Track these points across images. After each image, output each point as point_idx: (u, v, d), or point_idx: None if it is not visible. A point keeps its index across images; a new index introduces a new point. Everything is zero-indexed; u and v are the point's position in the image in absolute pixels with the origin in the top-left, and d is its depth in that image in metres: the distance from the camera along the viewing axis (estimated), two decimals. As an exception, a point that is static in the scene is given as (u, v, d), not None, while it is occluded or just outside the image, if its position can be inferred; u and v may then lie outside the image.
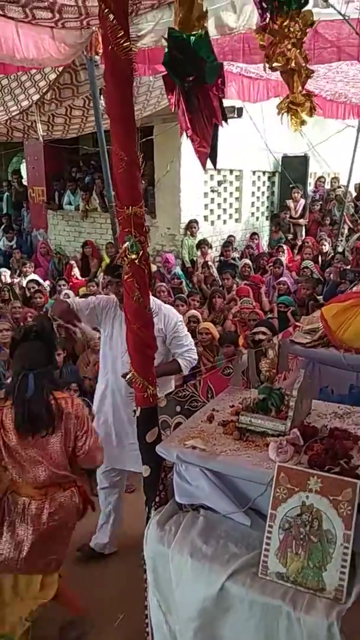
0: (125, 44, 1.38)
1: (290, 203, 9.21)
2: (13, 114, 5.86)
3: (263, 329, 4.76)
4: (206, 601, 1.48)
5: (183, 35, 1.46)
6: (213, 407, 2.03)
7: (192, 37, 1.47)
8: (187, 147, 7.73)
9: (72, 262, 8.52)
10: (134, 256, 1.57)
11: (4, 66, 4.86)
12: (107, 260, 8.56)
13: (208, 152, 1.55)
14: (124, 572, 2.90)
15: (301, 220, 9.16)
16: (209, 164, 1.60)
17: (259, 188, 9.86)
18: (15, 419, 2.18)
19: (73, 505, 2.37)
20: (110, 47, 1.39)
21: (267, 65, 1.77)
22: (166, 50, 1.49)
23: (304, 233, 9.16)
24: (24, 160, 10.64)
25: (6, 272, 7.96)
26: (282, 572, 1.48)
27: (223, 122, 1.58)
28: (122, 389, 2.87)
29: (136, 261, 1.58)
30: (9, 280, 7.76)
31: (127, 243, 1.55)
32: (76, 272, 8.33)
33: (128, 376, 1.88)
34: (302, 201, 9.19)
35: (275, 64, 1.73)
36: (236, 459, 1.68)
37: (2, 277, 7.76)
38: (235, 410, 1.96)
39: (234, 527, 1.64)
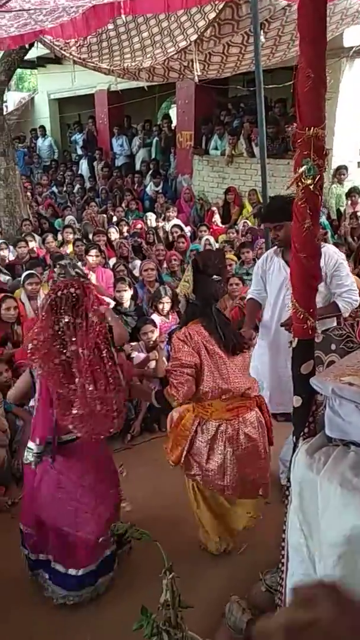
0: None
1: None
2: (170, 54, 5.90)
3: None
4: (354, 529, 1.49)
5: None
6: (370, 349, 1.97)
7: None
8: (347, 85, 7.17)
9: (214, 208, 8.58)
10: (309, 181, 1.52)
11: (167, 4, 4.87)
12: (248, 207, 8.46)
13: None
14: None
15: None
16: None
17: None
18: (221, 340, 2.45)
19: (262, 424, 2.56)
20: None
21: None
22: None
23: None
24: (173, 105, 10.74)
25: (152, 217, 8.29)
26: None
27: None
28: (279, 340, 2.95)
29: (311, 187, 1.53)
30: (154, 224, 8.08)
31: (304, 167, 1.50)
32: (217, 218, 8.39)
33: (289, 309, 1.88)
34: None
35: None
36: None
37: (148, 221, 8.10)
38: (395, 355, 1.88)
39: (387, 467, 1.61)
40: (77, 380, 2.10)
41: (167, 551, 1.92)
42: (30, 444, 2.29)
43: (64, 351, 2.12)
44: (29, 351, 2.16)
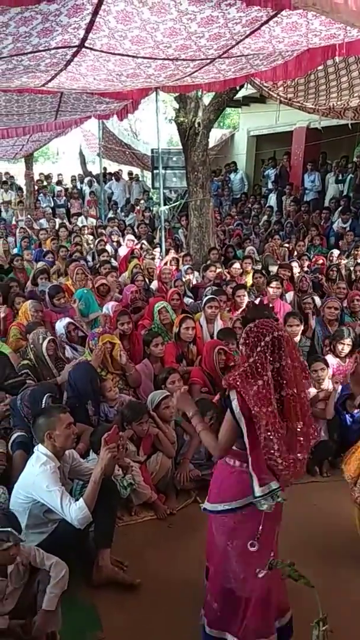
0: None
1: None
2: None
3: None
4: None
5: None
6: None
7: None
8: None
9: None
10: None
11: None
12: None
13: None
14: None
15: None
16: None
17: None
18: None
19: None
20: None
21: None
22: None
23: None
24: (373, 143, 10.41)
25: (336, 253, 8.10)
26: None
27: None
28: None
29: None
30: (336, 261, 7.87)
31: None
32: None
33: None
34: None
35: None
36: None
37: (333, 258, 7.92)
38: None
39: None
40: (297, 423, 2.04)
41: (321, 599, 1.83)
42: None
43: (279, 394, 2.03)
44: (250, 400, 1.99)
